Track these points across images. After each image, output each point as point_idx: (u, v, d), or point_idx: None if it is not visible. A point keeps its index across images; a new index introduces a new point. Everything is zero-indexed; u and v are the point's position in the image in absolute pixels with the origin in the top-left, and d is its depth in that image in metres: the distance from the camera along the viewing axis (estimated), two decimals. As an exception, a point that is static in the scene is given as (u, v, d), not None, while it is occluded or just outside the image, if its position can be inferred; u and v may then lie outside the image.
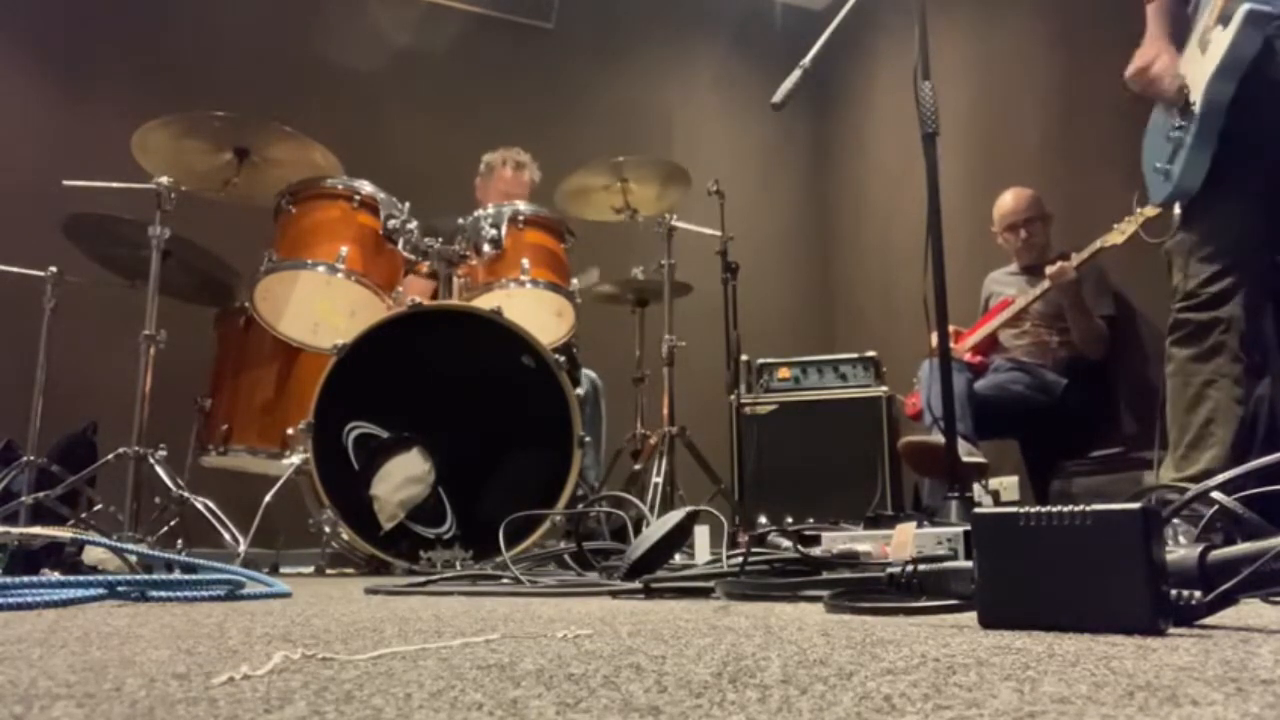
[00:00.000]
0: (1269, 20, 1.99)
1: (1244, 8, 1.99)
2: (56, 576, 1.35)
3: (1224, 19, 2.04)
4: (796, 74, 2.31)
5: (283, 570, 3.11)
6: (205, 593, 1.34)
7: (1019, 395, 3.37)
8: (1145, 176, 2.37)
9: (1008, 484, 3.78)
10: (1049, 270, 3.30)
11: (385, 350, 2.60)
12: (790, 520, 3.39)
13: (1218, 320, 2.08)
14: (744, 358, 3.76)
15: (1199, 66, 2.12)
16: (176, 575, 1.54)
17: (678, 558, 1.78)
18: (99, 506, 2.90)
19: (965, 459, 2.41)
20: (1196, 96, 2.11)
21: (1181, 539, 1.62)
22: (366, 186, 2.92)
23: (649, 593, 1.39)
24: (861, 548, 1.41)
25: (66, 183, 2.80)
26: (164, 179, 2.79)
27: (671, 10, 5.60)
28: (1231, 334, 2.07)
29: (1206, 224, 2.14)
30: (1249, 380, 2.14)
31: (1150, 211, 2.87)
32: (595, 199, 3.68)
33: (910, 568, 0.95)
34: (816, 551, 1.44)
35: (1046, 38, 4.18)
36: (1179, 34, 2.27)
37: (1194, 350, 2.11)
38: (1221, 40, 2.04)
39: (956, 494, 2.04)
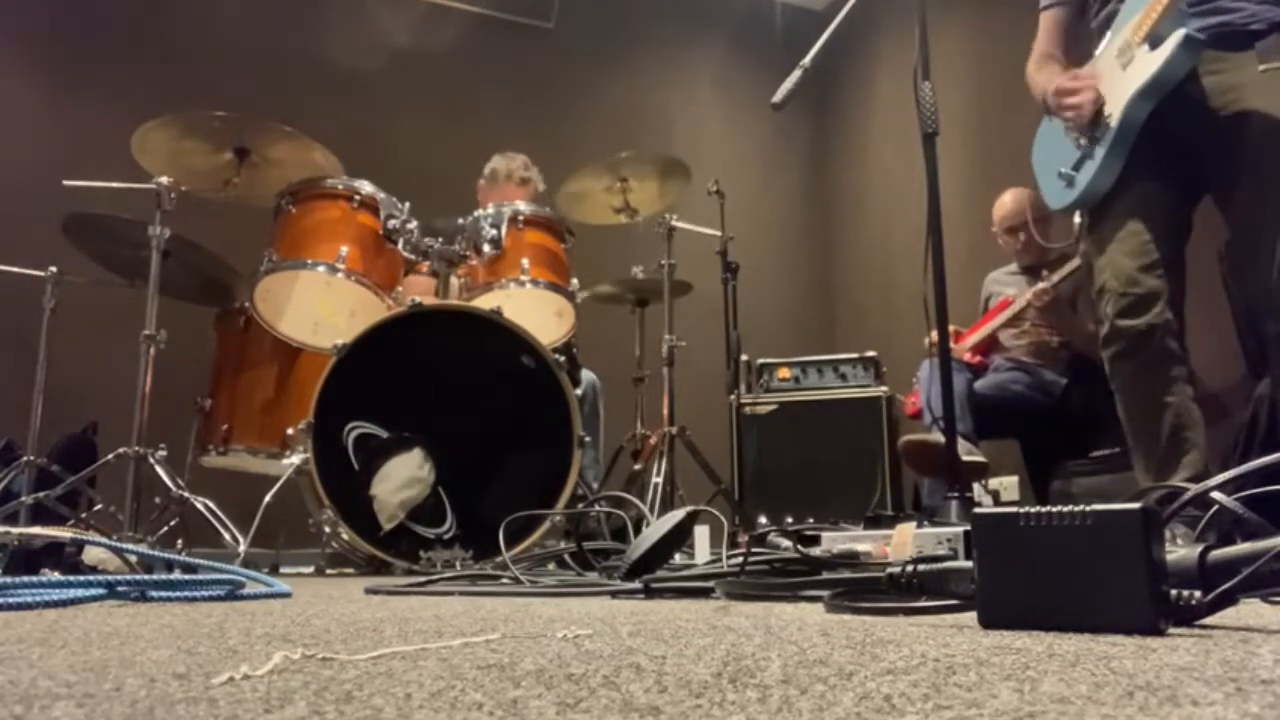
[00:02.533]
0: (1201, 46, 2.00)
1: (1181, 33, 1.98)
2: (56, 576, 1.35)
3: (1152, 40, 2.03)
4: (796, 74, 2.30)
5: (283, 570, 3.11)
6: (205, 593, 1.34)
7: (1019, 395, 3.38)
8: (1039, 180, 2.36)
9: (1008, 484, 3.78)
10: (1028, 295, 3.33)
11: (385, 350, 2.60)
12: (790, 520, 3.39)
13: (1153, 327, 2.06)
14: (744, 358, 3.76)
15: (1118, 79, 2.11)
16: (176, 575, 1.54)
17: (678, 558, 1.78)
18: (99, 506, 2.90)
19: (965, 458, 2.41)
20: (1114, 110, 2.11)
21: (1180, 540, 1.63)
22: (366, 186, 2.92)
23: (649, 593, 1.39)
24: (861, 548, 1.41)
25: (66, 183, 2.80)
26: (164, 179, 2.79)
27: (671, 10, 5.61)
28: (1169, 337, 2.06)
29: (1122, 221, 2.13)
30: (1252, 380, 2.14)
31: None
32: (595, 199, 3.68)
33: (910, 568, 0.95)
34: (816, 551, 1.44)
35: (1046, 38, 4.17)
36: (1075, 44, 2.28)
37: (1137, 362, 2.09)
38: (1149, 61, 2.04)
39: (956, 494, 2.04)
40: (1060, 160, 2.24)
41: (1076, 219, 2.28)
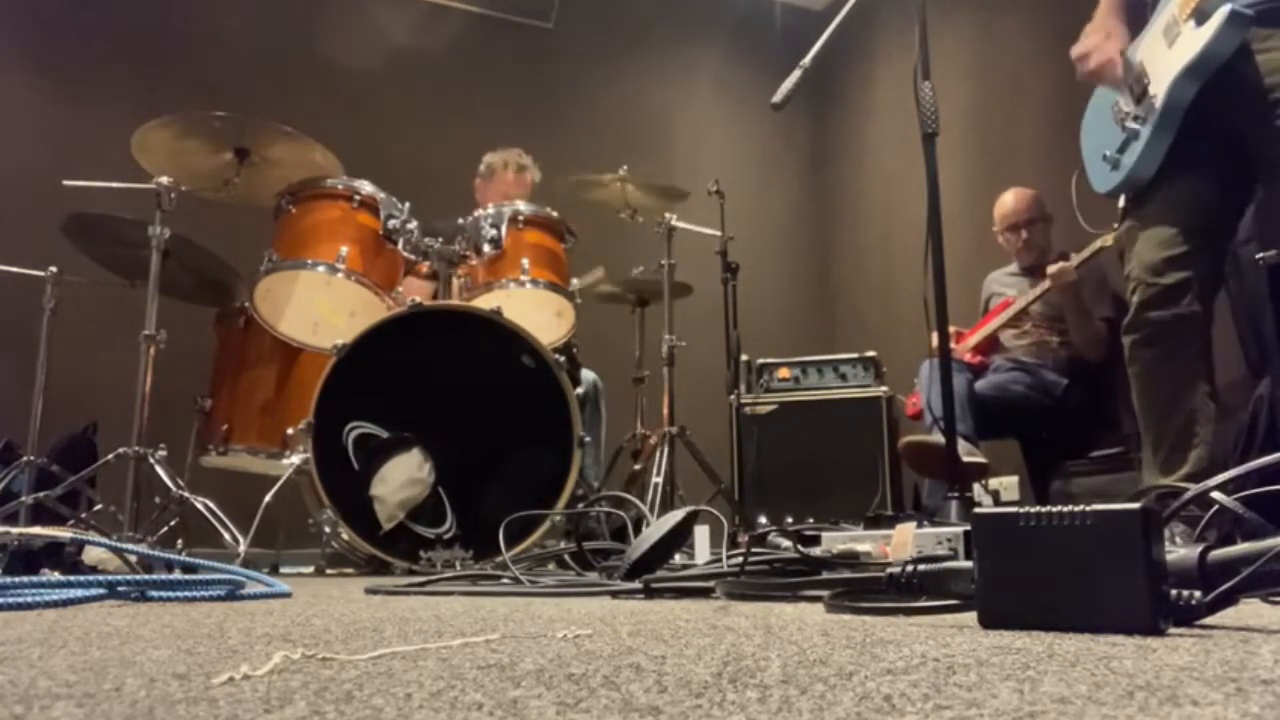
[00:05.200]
0: (1248, 23, 1.94)
1: (1226, 8, 1.93)
2: (56, 576, 1.35)
3: (1199, 15, 1.97)
4: (796, 74, 2.31)
5: (283, 570, 3.11)
6: (205, 593, 1.34)
7: (1019, 395, 3.37)
8: (1086, 163, 2.32)
9: (1008, 484, 3.78)
10: (1050, 270, 3.30)
11: (385, 350, 2.60)
12: (790, 520, 3.39)
13: (1179, 318, 2.05)
14: (744, 358, 3.76)
15: (1163, 58, 2.06)
16: (176, 575, 1.54)
17: (678, 558, 1.78)
18: (99, 506, 2.90)
19: (965, 459, 2.41)
20: (1158, 90, 2.05)
21: (1179, 539, 1.62)
22: (366, 186, 2.92)
23: (649, 593, 1.39)
24: (861, 548, 1.41)
25: (66, 183, 2.80)
26: (164, 179, 2.78)
27: (671, 10, 5.61)
28: (1193, 330, 2.06)
29: (1157, 212, 2.11)
30: (1252, 380, 2.13)
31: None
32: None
33: (910, 568, 0.95)
34: (816, 551, 1.44)
35: (1046, 38, 4.18)
36: (1137, 13, 2.21)
37: (1159, 351, 2.08)
38: (1195, 38, 1.98)
39: (956, 494, 2.04)
40: (1106, 143, 2.21)
41: (1121, 203, 2.25)
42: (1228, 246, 2.15)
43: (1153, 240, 2.10)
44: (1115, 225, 2.94)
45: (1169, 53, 2.05)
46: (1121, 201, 2.25)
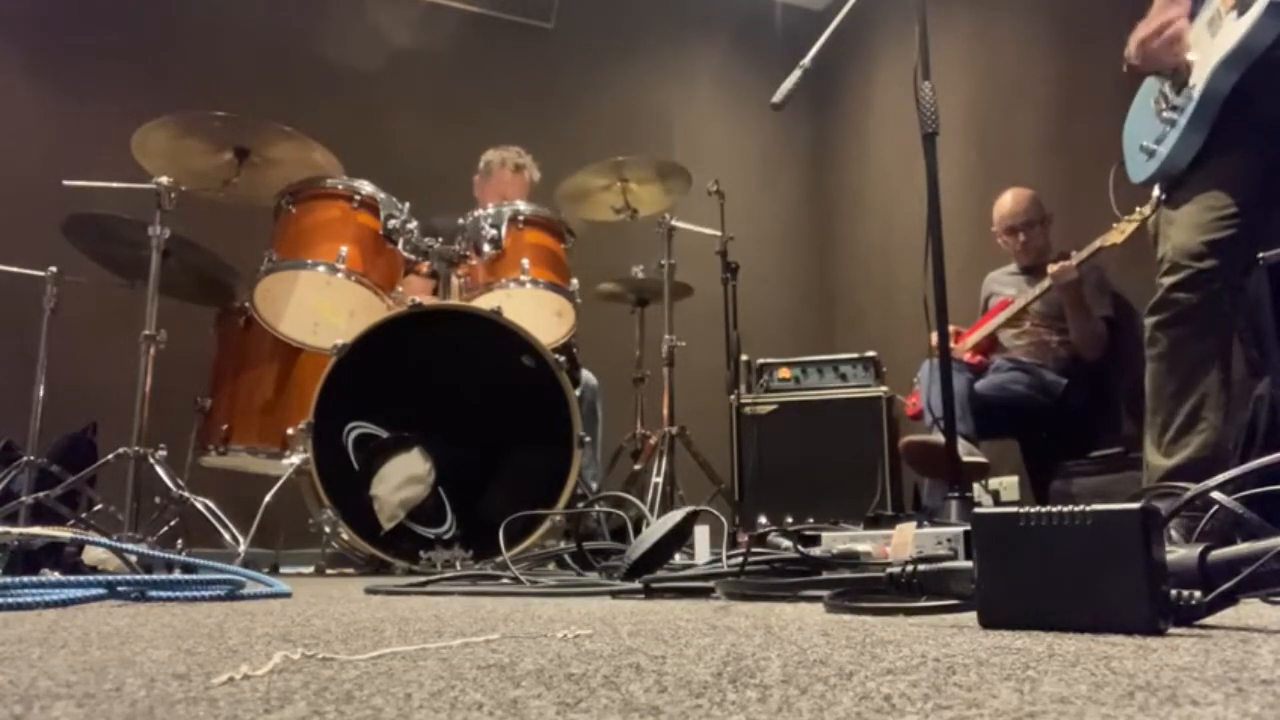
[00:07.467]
0: None
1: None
2: (56, 576, 1.35)
3: (1240, 6, 1.99)
4: (796, 74, 2.31)
5: (283, 570, 3.11)
6: (205, 593, 1.34)
7: (1019, 395, 3.37)
8: (1125, 153, 2.33)
9: (1008, 484, 3.78)
10: (1051, 269, 3.30)
11: (385, 350, 2.60)
12: (790, 520, 3.39)
13: (1205, 302, 2.05)
14: (744, 358, 3.76)
15: (1205, 48, 2.08)
16: (176, 575, 1.54)
17: (678, 558, 1.78)
18: (99, 506, 2.90)
19: (965, 459, 2.41)
20: (1197, 80, 2.07)
21: (1173, 534, 1.62)
22: (366, 186, 2.92)
23: (649, 593, 1.39)
24: (861, 548, 1.41)
25: (66, 183, 2.80)
26: (164, 179, 2.78)
27: (671, 10, 5.61)
28: (1219, 316, 2.05)
29: (1194, 198, 2.11)
30: (1252, 380, 2.13)
31: (1148, 211, 2.86)
32: (595, 199, 3.69)
33: (910, 568, 0.95)
34: (816, 551, 1.44)
35: (1046, 38, 4.18)
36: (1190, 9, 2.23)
37: (1180, 333, 2.08)
38: (1235, 28, 1.99)
39: (956, 494, 2.04)
40: (1145, 135, 2.23)
41: (1156, 192, 2.26)
42: (1263, 237, 2.14)
43: (1188, 225, 2.10)
44: (1128, 215, 2.94)
45: (1211, 43, 2.07)
46: (1156, 191, 2.26)
